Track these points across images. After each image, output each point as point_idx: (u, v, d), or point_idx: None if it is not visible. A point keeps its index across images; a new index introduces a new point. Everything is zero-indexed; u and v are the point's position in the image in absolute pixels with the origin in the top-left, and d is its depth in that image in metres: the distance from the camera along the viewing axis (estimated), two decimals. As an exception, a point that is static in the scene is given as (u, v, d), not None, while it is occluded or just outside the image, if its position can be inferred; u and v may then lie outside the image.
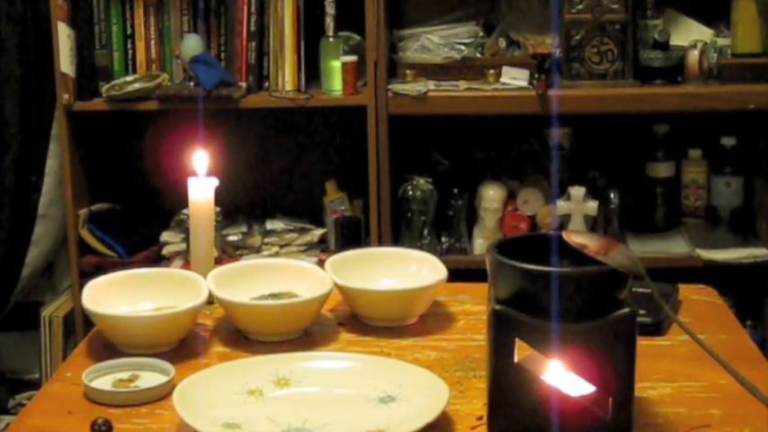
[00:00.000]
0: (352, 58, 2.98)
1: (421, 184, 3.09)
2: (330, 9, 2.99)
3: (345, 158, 3.32)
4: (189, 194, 1.83)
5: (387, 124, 2.98)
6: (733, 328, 1.72)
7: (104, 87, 3.05)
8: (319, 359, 1.55)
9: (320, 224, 3.19)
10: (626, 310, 1.29)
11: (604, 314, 1.29)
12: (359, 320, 1.75)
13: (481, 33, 3.08)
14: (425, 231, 3.10)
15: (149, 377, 1.54)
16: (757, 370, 1.50)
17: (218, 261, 1.97)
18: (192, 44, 3.01)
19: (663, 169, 3.19)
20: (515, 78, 2.98)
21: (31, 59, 3.11)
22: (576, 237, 1.34)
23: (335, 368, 1.52)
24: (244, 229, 3.17)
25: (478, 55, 3.07)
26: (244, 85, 3.03)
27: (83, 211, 3.14)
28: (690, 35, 3.03)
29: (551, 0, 2.96)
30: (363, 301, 1.74)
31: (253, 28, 3.03)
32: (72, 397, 1.50)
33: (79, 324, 3.10)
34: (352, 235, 3.08)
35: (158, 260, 3.09)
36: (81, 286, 1.88)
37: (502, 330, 1.31)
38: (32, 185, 3.17)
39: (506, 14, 3.14)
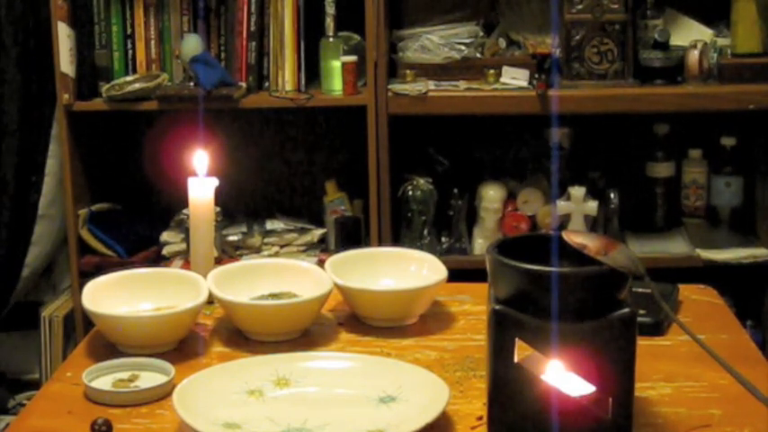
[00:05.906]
0: (352, 58, 2.98)
1: (421, 184, 3.09)
2: (330, 9, 2.99)
3: (345, 158, 3.32)
4: (189, 194, 1.83)
5: (387, 124, 2.98)
6: (733, 328, 1.72)
7: (104, 87, 3.04)
8: (319, 359, 1.55)
9: (320, 224, 3.19)
10: (626, 310, 1.29)
11: (604, 314, 1.29)
12: (359, 320, 1.75)
13: (481, 33, 3.08)
14: (425, 231, 3.10)
15: (149, 377, 1.54)
16: (757, 370, 1.50)
17: (218, 261, 1.97)
18: (191, 44, 3.01)
19: (663, 169, 3.19)
20: (515, 78, 2.98)
21: (31, 59, 3.11)
22: (576, 237, 1.34)
23: (335, 368, 1.52)
24: (244, 229, 3.17)
25: (478, 55, 3.07)
26: (244, 85, 3.03)
27: (83, 211, 3.14)
28: (690, 35, 3.03)
29: (551, 0, 2.96)
30: (363, 301, 1.74)
31: (253, 28, 3.03)
32: (72, 397, 1.50)
33: (79, 324, 3.10)
34: (352, 235, 3.08)
35: (158, 260, 3.09)
36: (81, 286, 1.88)
37: (502, 330, 1.31)
38: (32, 185, 3.17)
39: (506, 14, 3.14)
